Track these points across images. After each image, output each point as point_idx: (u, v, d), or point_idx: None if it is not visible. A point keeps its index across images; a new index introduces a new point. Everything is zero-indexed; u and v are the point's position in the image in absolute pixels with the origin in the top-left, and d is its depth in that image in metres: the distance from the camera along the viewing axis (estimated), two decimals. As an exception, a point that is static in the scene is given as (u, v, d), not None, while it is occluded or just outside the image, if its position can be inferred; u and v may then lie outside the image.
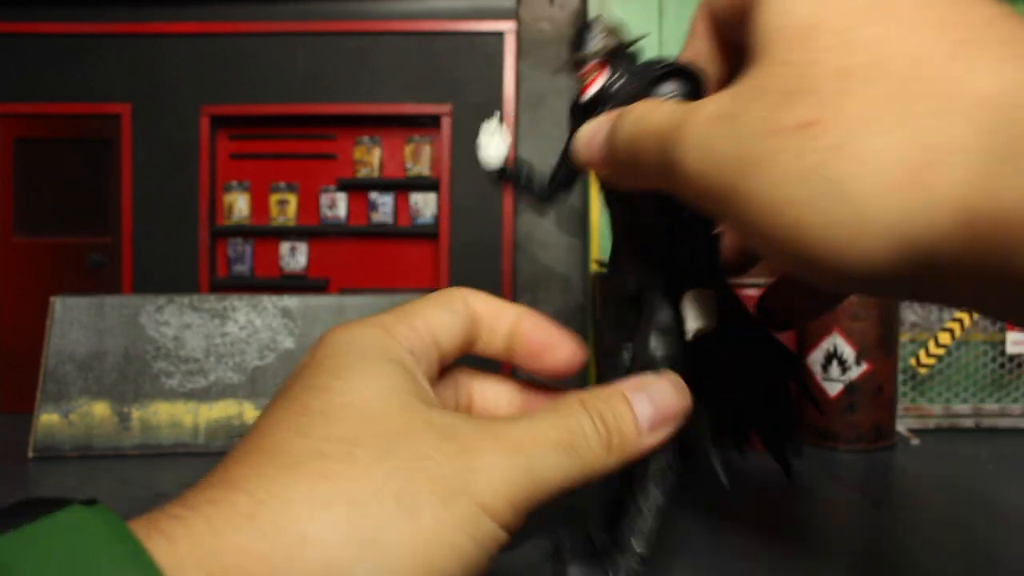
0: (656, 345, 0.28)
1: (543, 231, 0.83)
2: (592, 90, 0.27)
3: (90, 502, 0.17)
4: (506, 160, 0.30)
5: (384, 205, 0.84)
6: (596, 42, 0.27)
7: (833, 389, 0.56)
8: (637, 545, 0.27)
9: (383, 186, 0.83)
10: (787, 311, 0.32)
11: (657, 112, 0.23)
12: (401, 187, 0.84)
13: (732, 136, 0.19)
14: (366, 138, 0.83)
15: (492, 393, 0.30)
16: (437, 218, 0.83)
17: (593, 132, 0.26)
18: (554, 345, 0.30)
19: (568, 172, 0.30)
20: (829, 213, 0.17)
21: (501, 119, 0.30)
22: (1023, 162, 0.15)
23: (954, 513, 0.43)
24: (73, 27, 0.78)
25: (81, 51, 0.79)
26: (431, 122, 0.82)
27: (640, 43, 0.29)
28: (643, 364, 0.28)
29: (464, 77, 0.81)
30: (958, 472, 0.51)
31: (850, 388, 0.56)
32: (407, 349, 0.24)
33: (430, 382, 0.26)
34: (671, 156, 0.21)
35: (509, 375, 0.30)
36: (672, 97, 0.25)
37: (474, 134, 0.30)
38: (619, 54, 0.28)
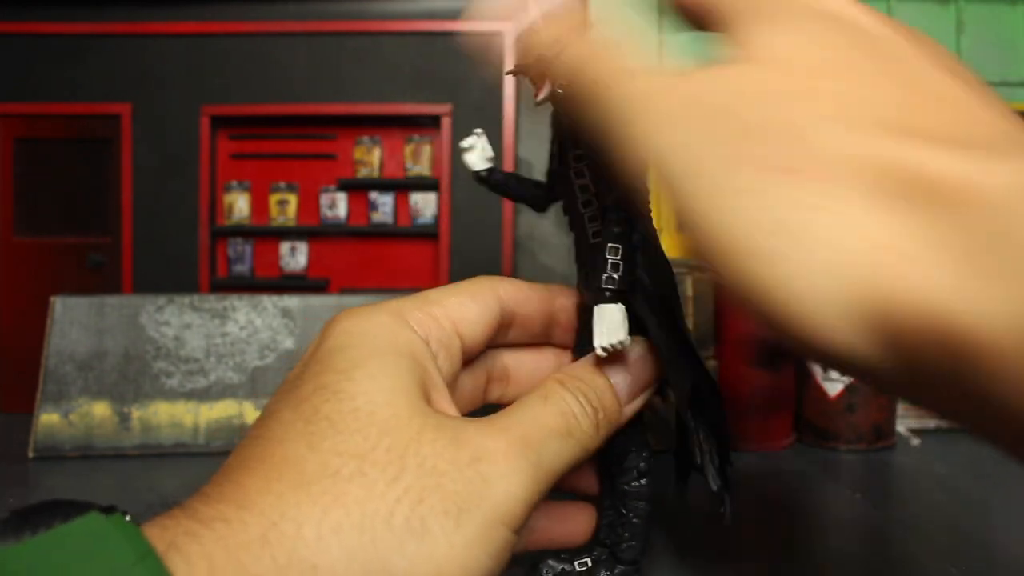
0: None
1: (543, 231, 0.83)
2: (542, 94, 0.27)
3: (109, 509, 0.17)
4: (491, 167, 0.31)
5: (384, 205, 0.84)
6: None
7: (833, 389, 0.56)
8: (628, 552, 0.28)
9: (383, 186, 0.83)
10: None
11: (606, 62, 0.21)
12: (401, 187, 0.84)
13: (709, 141, 0.17)
14: (366, 138, 0.83)
15: (532, 365, 0.29)
16: (437, 218, 0.83)
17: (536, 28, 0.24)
18: None
19: (556, 174, 0.30)
20: (798, 277, 0.16)
21: (482, 133, 0.31)
22: (1005, 269, 0.13)
23: (954, 513, 0.43)
24: (73, 27, 0.78)
25: (81, 51, 0.79)
26: (431, 122, 0.82)
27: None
28: None
29: (464, 77, 0.81)
30: (958, 472, 0.51)
31: (850, 388, 0.56)
32: (422, 337, 0.24)
33: (452, 372, 0.25)
34: (625, 124, 0.19)
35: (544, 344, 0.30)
36: None
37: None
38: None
